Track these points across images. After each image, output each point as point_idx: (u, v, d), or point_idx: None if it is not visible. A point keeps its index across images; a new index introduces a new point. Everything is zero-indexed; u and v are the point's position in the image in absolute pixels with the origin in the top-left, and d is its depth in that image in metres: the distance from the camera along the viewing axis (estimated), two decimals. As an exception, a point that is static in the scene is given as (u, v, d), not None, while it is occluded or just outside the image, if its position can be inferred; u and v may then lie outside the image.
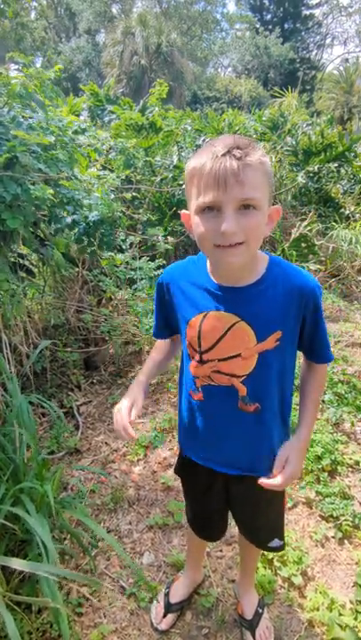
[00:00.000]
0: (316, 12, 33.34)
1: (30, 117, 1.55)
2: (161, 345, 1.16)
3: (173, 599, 1.40)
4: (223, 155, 0.72)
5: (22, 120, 1.45)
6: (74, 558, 1.64)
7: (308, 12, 33.11)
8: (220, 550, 1.66)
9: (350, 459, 2.04)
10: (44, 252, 2.25)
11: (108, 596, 1.51)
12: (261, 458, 1.01)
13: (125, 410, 1.01)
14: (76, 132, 1.84)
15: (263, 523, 1.17)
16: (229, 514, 1.24)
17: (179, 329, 1.01)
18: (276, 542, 1.19)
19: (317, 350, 0.97)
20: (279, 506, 1.16)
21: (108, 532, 1.76)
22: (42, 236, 2.29)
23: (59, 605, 1.11)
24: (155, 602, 1.45)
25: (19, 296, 1.65)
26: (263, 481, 0.95)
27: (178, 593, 1.42)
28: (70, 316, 3.00)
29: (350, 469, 2.01)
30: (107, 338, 2.91)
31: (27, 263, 2.55)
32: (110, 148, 2.23)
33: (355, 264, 4.30)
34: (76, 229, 1.62)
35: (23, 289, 2.25)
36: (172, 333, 1.10)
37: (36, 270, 2.89)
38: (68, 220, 1.61)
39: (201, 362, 0.94)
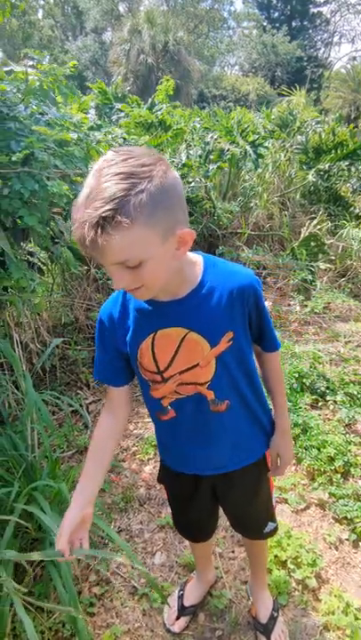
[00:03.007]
0: (324, 9, 33.11)
1: (46, 114, 1.54)
2: (116, 398, 1.00)
3: (187, 602, 1.39)
4: (90, 227, 0.62)
5: (39, 117, 1.44)
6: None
7: (315, 10, 32.90)
8: (233, 551, 1.65)
9: (363, 460, 2.01)
10: (54, 249, 2.24)
11: (119, 597, 1.50)
12: (249, 445, 1.05)
13: (67, 530, 0.85)
14: (91, 129, 1.83)
15: (257, 508, 1.17)
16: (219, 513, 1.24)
17: (129, 362, 0.95)
18: (270, 526, 1.20)
19: (266, 340, 0.99)
20: (268, 486, 1.17)
21: (119, 531, 1.75)
22: (51, 233, 2.28)
23: (79, 614, 1.11)
24: (167, 603, 1.44)
25: (36, 294, 1.65)
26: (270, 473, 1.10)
27: (192, 595, 1.41)
28: (79, 314, 3.00)
29: (363, 471, 1.99)
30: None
31: (36, 261, 2.54)
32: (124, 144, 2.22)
33: None
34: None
35: (34, 287, 2.25)
36: (125, 375, 0.98)
37: (44, 268, 2.89)
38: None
39: (163, 380, 0.92)
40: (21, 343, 2.12)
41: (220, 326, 0.88)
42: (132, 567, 1.60)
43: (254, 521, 1.19)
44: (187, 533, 1.30)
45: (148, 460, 2.14)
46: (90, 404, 2.64)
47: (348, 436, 2.14)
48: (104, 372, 0.98)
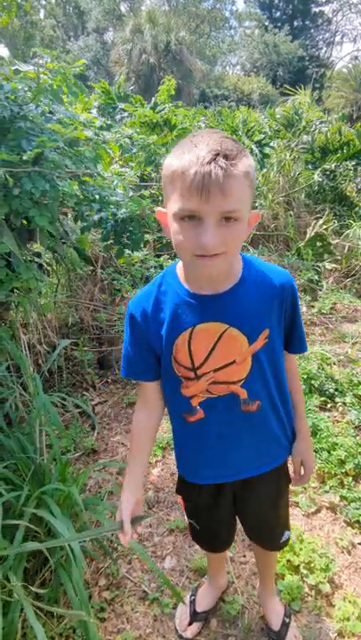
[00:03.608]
0: (326, 9, 33.04)
1: (56, 113, 1.53)
2: (150, 392, 1.01)
3: (200, 607, 1.37)
4: (209, 162, 0.66)
5: (50, 115, 1.42)
6: (95, 561, 1.61)
7: (317, 10, 32.85)
8: (244, 556, 1.62)
9: (374, 463, 1.99)
10: (59, 249, 2.22)
11: (130, 601, 1.48)
12: (272, 450, 1.03)
13: (127, 513, 0.96)
14: (101, 128, 1.81)
15: (276, 517, 1.15)
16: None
17: (159, 359, 0.94)
18: (286, 535, 1.18)
19: (296, 341, 0.99)
20: (287, 494, 1.15)
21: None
22: (54, 233, 2.26)
23: (91, 619, 1.09)
24: (179, 608, 1.42)
25: (44, 295, 1.63)
26: (293, 483, 1.10)
27: (204, 601, 1.39)
28: (84, 314, 2.98)
29: (374, 474, 1.96)
30: (121, 337, 2.88)
31: (42, 262, 2.53)
32: (132, 144, 2.20)
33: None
34: (104, 227, 1.59)
35: (39, 288, 2.24)
36: (158, 369, 0.97)
37: (49, 269, 2.87)
38: (96, 217, 1.58)
39: (196, 377, 0.90)
40: (29, 344, 2.10)
41: (259, 323, 0.87)
42: (143, 572, 1.58)
43: (272, 530, 1.17)
44: (207, 545, 1.26)
45: (157, 462, 2.12)
46: (96, 405, 2.63)
47: (358, 438, 2.12)
48: (134, 368, 0.97)
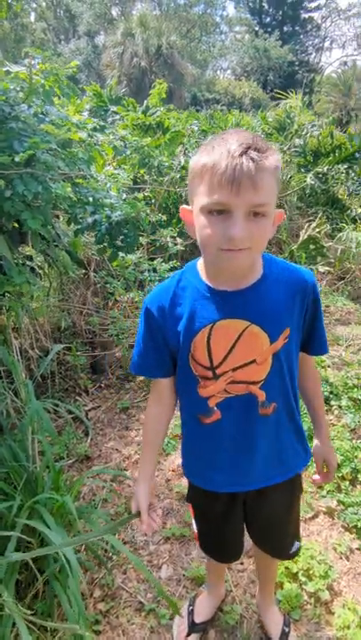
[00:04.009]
0: (315, 15, 33.47)
1: (49, 114, 1.50)
2: (163, 388, 1.00)
3: (199, 618, 1.34)
4: (240, 155, 0.67)
5: (42, 116, 1.39)
6: (89, 571, 1.57)
7: (306, 16, 33.26)
8: (242, 563, 1.60)
9: (370, 466, 1.98)
10: (51, 253, 2.19)
11: (126, 613, 1.45)
12: (288, 458, 1.00)
13: (144, 504, 1.01)
14: (95, 130, 1.79)
15: (287, 527, 1.12)
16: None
17: (175, 356, 0.92)
18: (296, 545, 1.15)
19: (317, 342, 0.97)
20: (299, 505, 1.13)
21: (124, 543, 1.70)
22: (47, 236, 2.23)
23: (87, 632, 1.05)
24: (177, 619, 1.38)
25: (37, 299, 1.60)
26: (316, 479, 1.11)
27: (203, 612, 1.36)
28: (77, 318, 2.94)
29: (371, 477, 1.95)
30: (114, 341, 2.85)
31: (35, 265, 2.49)
32: (125, 146, 2.19)
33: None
34: (98, 230, 1.57)
35: (32, 292, 2.20)
36: (171, 365, 0.96)
37: (41, 272, 2.83)
38: (90, 220, 1.55)
39: (215, 377, 0.88)
40: (21, 349, 2.06)
41: (281, 321, 0.85)
42: (138, 581, 1.55)
43: (282, 540, 1.14)
44: (218, 555, 1.21)
45: (151, 468, 2.08)
46: (89, 410, 2.59)
47: (354, 441, 2.11)
48: (146, 364, 0.95)
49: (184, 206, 0.83)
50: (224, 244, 0.71)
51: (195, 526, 1.17)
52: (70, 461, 2.14)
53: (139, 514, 1.01)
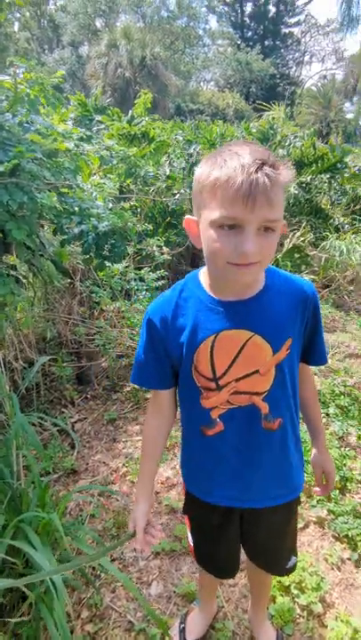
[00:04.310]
0: (295, 30, 34.42)
1: (34, 123, 1.48)
2: (163, 400, 0.99)
3: (190, 636, 1.30)
4: (256, 170, 0.67)
5: (27, 125, 1.37)
6: (77, 591, 1.52)
7: (287, 30, 34.18)
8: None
9: (360, 474, 1.99)
10: (36, 262, 2.15)
11: (115, 634, 1.40)
12: (290, 478, 0.98)
13: (142, 525, 0.99)
14: (81, 139, 1.77)
15: (284, 544, 1.10)
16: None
17: (177, 368, 0.92)
18: (292, 560, 1.13)
19: (317, 352, 0.97)
20: (296, 520, 1.11)
21: (112, 560, 1.65)
22: (32, 246, 2.19)
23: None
24: (169, 635, 1.35)
25: (21, 309, 1.56)
26: (316, 492, 1.10)
27: (195, 630, 1.32)
28: (62, 328, 2.90)
29: (360, 485, 1.96)
30: (100, 351, 2.81)
31: (20, 276, 2.44)
32: (111, 156, 2.18)
33: (346, 274, 4.33)
34: (85, 240, 1.54)
35: (16, 303, 2.15)
36: (172, 377, 0.95)
37: (25, 282, 2.78)
38: (76, 230, 1.53)
39: (218, 388, 0.87)
40: (4, 361, 2.01)
41: (283, 331, 0.85)
42: (128, 600, 1.51)
43: (279, 555, 1.11)
44: (215, 570, 1.18)
45: (140, 481, 2.04)
46: (75, 422, 2.54)
47: (342, 449, 2.12)
48: (146, 375, 0.94)
49: (188, 217, 0.82)
50: (234, 258, 0.72)
51: (190, 539, 1.15)
52: (56, 476, 2.09)
53: (134, 533, 0.99)
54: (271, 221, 0.71)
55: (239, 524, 1.03)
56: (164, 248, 3.17)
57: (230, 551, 1.10)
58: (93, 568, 1.61)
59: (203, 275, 0.88)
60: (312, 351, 0.96)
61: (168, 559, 1.65)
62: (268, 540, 1.06)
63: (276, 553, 1.11)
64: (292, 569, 1.14)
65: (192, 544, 1.15)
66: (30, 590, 1.28)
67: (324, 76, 32.43)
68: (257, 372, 0.85)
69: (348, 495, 1.90)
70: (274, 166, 0.69)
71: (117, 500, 1.93)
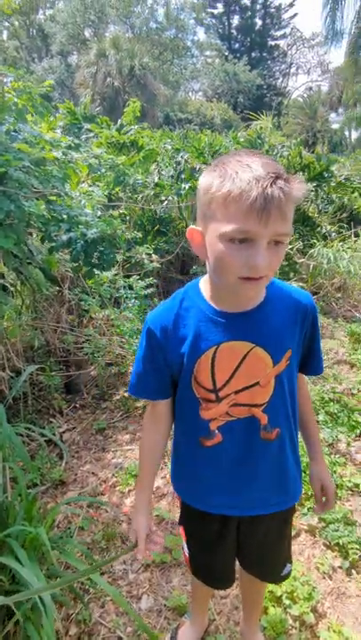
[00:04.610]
0: (281, 42, 35.13)
1: (22, 132, 1.47)
2: (162, 411, 0.98)
3: (181, 651, 1.28)
4: (270, 184, 0.66)
5: (15, 134, 1.36)
6: (64, 607, 1.48)
7: (273, 43, 34.86)
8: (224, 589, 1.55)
9: (349, 481, 1.99)
10: (24, 270, 2.13)
11: (104, 650, 1.37)
12: (288, 486, 0.98)
13: (143, 535, 0.99)
14: (69, 148, 1.77)
15: (279, 551, 1.09)
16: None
17: (176, 378, 0.91)
18: (287, 568, 1.12)
19: (315, 362, 0.97)
20: (290, 528, 1.10)
21: (101, 574, 1.62)
22: (20, 254, 2.17)
23: None
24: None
25: (9, 317, 1.53)
26: (316, 510, 1.07)
27: (186, 644, 1.30)
28: (51, 337, 2.86)
29: (350, 492, 1.96)
30: (89, 359, 2.79)
31: (7, 284, 2.41)
32: (99, 164, 2.18)
33: (334, 281, 4.38)
34: (74, 248, 1.53)
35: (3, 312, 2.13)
36: (171, 387, 0.94)
37: (13, 290, 2.75)
38: (64, 237, 1.52)
39: (217, 400, 0.87)
40: (-10, 371, 1.97)
41: (283, 343, 0.85)
42: (117, 614, 1.47)
43: (274, 563, 1.10)
44: (210, 581, 1.16)
45: (130, 491, 2.02)
46: (63, 432, 2.50)
47: (332, 456, 2.12)
48: (145, 386, 0.93)
49: (193, 227, 0.80)
50: (245, 272, 0.71)
51: (186, 550, 1.13)
52: (44, 487, 2.05)
53: (135, 544, 0.99)
54: (282, 235, 0.70)
55: (236, 534, 1.02)
56: (153, 256, 3.17)
57: (227, 561, 1.09)
58: (82, 582, 1.57)
59: (203, 284, 0.88)
60: (309, 361, 0.96)
61: (158, 571, 1.62)
62: (264, 548, 1.05)
63: (271, 561, 1.10)
64: (287, 576, 1.13)
65: (187, 555, 1.13)
66: (17, 608, 1.24)
67: (310, 88, 33.10)
68: (257, 383, 0.85)
69: (338, 502, 1.90)
70: (287, 180, 0.68)
71: (107, 512, 1.90)
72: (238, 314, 0.83)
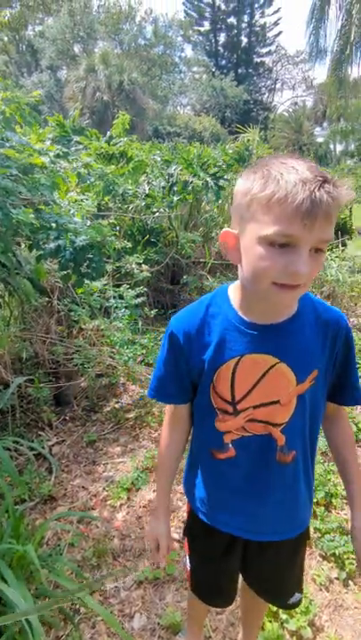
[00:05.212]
0: (267, 59, 36.10)
1: (10, 140, 1.45)
2: (182, 413, 0.95)
3: (176, 672, 1.23)
4: (318, 188, 0.62)
5: (2, 142, 1.35)
6: (54, 628, 1.42)
7: (259, 60, 35.81)
8: (219, 604, 1.51)
9: (343, 489, 1.97)
10: (12, 281, 2.10)
11: (96, 673, 1.31)
12: (298, 513, 0.92)
13: (165, 543, 1.00)
14: (58, 156, 1.75)
15: (287, 580, 1.03)
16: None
17: (197, 384, 0.88)
18: (296, 597, 1.05)
19: (350, 389, 0.88)
20: (303, 554, 1.04)
21: (92, 592, 1.56)
22: (7, 264, 2.14)
23: None
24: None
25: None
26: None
27: (181, 664, 1.25)
28: (39, 348, 2.82)
29: (345, 501, 1.94)
30: (79, 370, 2.74)
31: (-6, 293, 2.38)
32: (88, 174, 2.17)
33: (323, 290, 4.41)
34: (62, 256, 1.51)
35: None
36: (191, 391, 0.91)
37: (0, 301, 2.71)
38: (52, 245, 1.50)
39: (235, 412, 0.83)
40: (-23, 383, 1.92)
41: (310, 362, 0.80)
42: (109, 635, 1.42)
43: (280, 591, 1.04)
44: (210, 599, 1.11)
45: (121, 505, 1.97)
46: (53, 445, 2.44)
47: (326, 464, 2.10)
48: (165, 390, 0.90)
49: (227, 229, 0.76)
50: (282, 278, 0.67)
51: (188, 564, 1.08)
52: (32, 503, 1.98)
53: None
54: (324, 242, 0.67)
55: (242, 553, 0.98)
56: (143, 265, 3.16)
57: (230, 580, 1.05)
58: (72, 602, 1.51)
59: (233, 291, 0.84)
60: (344, 388, 0.88)
61: (152, 588, 1.57)
62: (271, 572, 1.00)
63: (280, 585, 1.03)
64: (295, 605, 1.06)
65: (189, 569, 1.08)
66: (3, 631, 1.19)
67: (295, 103, 33.95)
68: (277, 402, 0.80)
69: (333, 512, 1.87)
70: (335, 184, 0.65)
71: (97, 527, 1.85)
72: (267, 326, 0.79)
